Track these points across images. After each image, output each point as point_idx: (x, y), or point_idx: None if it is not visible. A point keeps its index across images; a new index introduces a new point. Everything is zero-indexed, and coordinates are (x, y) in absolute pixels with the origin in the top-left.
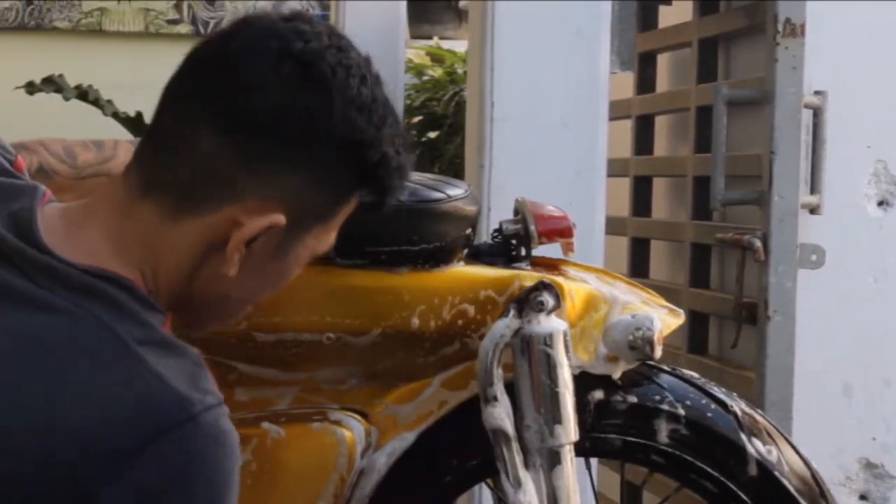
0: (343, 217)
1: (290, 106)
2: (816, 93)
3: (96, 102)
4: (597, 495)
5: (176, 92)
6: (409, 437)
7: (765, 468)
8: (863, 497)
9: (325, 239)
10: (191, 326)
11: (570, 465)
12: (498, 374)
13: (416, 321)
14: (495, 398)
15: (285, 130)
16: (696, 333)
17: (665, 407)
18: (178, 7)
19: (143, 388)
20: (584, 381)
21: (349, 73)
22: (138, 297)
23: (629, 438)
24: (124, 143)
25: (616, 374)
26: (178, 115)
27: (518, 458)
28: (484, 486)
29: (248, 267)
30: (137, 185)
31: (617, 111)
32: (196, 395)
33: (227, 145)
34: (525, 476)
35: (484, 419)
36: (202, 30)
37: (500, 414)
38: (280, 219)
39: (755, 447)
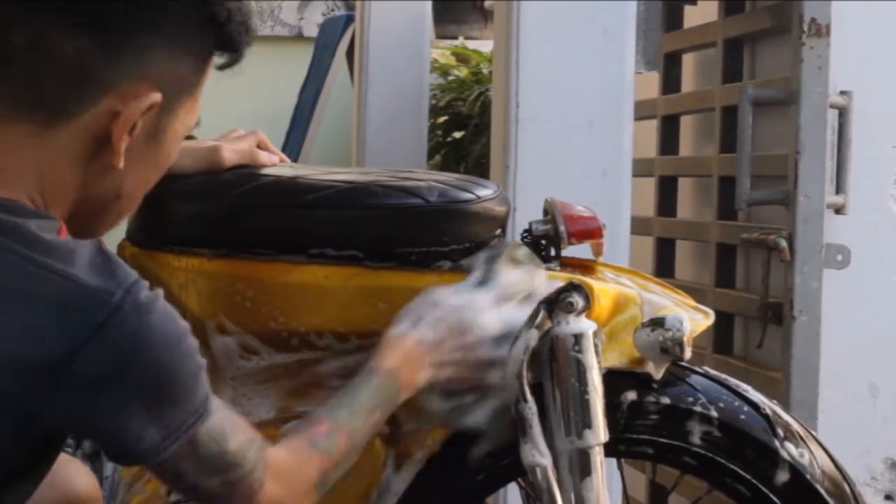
0: (202, 85)
1: None
2: (842, 93)
3: None
4: (627, 497)
5: (17, 10)
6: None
7: (797, 471)
8: (888, 497)
9: (194, 111)
10: (89, 234)
11: (600, 467)
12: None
13: None
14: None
15: (136, 2)
16: (721, 333)
17: (698, 408)
18: None
19: (58, 294)
20: (616, 382)
21: None
22: (25, 212)
23: (661, 440)
24: None
25: (658, 376)
26: (27, 30)
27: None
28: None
29: (132, 156)
30: (2, 111)
31: (642, 111)
32: (111, 284)
33: (82, 38)
34: None
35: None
36: None
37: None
38: (157, 97)
39: (787, 450)
